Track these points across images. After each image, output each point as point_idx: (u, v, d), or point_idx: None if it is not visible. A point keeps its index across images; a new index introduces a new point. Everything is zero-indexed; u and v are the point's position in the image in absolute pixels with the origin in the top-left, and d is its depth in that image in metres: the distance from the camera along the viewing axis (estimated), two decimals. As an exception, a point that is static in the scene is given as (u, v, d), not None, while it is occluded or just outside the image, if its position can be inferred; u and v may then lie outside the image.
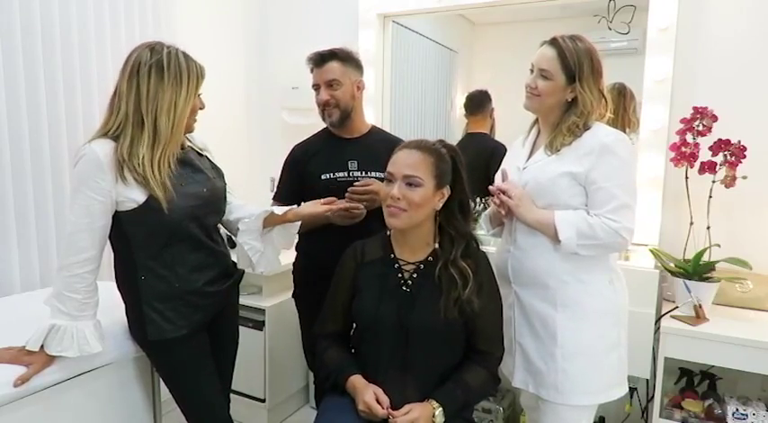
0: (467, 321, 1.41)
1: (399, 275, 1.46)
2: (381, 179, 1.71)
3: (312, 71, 1.82)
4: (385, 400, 1.36)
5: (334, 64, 1.78)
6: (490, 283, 1.47)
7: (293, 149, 1.92)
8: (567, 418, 1.50)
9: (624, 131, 1.94)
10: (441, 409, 1.35)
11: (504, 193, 1.48)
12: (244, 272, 1.61)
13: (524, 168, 1.52)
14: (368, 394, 1.36)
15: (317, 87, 1.81)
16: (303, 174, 1.83)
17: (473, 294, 1.39)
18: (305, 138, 1.95)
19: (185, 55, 1.37)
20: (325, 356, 1.50)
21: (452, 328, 1.41)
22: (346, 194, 1.66)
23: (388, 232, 1.51)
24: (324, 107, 1.80)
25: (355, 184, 1.69)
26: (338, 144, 1.85)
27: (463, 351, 1.46)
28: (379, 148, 1.82)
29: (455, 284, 1.39)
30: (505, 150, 2.44)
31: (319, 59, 1.79)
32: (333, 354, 1.49)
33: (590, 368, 1.47)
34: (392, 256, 1.48)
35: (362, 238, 1.56)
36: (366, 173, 1.80)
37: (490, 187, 1.53)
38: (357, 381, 1.41)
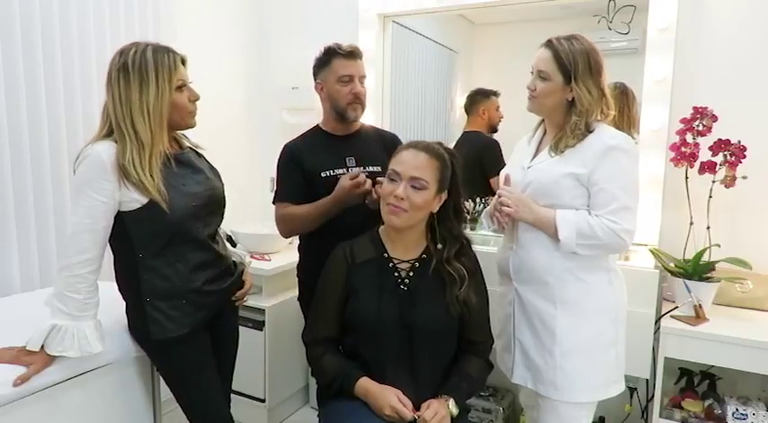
0: (462, 315, 1.45)
1: (396, 274, 1.46)
2: (378, 173, 1.72)
3: (331, 63, 1.78)
4: (408, 401, 1.36)
5: (361, 61, 1.80)
6: (481, 279, 1.53)
7: (288, 147, 1.87)
8: (566, 415, 1.51)
9: (628, 131, 1.94)
10: (453, 402, 1.38)
11: (502, 205, 1.49)
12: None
13: (529, 167, 1.53)
14: (393, 398, 1.35)
15: (348, 79, 1.77)
16: (302, 171, 1.82)
17: (470, 292, 1.44)
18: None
19: (155, 49, 1.34)
20: (322, 363, 1.48)
21: (452, 323, 1.45)
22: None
23: (378, 230, 1.52)
24: (354, 100, 1.78)
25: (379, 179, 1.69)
26: (334, 141, 1.85)
27: (457, 343, 1.49)
28: (374, 142, 1.85)
29: (454, 282, 1.43)
30: (498, 146, 2.47)
31: (356, 53, 1.79)
32: (331, 359, 1.48)
33: (588, 365, 1.48)
34: (386, 255, 1.48)
35: None
36: (364, 168, 1.80)
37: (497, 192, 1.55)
38: (368, 384, 1.40)
